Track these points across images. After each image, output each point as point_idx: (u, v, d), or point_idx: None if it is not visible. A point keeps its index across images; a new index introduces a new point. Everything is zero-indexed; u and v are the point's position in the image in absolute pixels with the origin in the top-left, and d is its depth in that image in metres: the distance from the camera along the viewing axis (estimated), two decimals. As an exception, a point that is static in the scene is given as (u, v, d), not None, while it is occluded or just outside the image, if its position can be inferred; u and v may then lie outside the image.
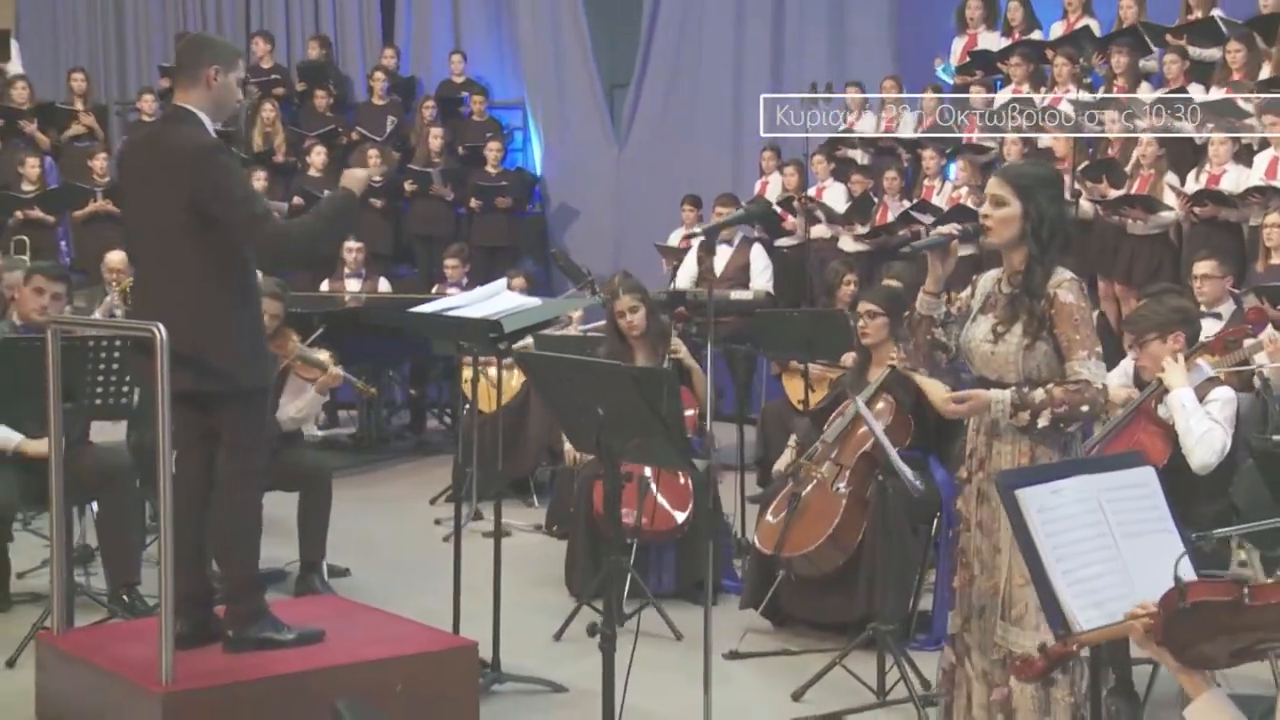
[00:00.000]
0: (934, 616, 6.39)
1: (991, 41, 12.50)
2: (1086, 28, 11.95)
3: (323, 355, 7.40)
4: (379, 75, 14.72)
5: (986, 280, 4.65)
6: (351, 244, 11.91)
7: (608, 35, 15.12)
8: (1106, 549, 3.41)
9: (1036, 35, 12.31)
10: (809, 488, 6.45)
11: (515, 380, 9.40)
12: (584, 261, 11.29)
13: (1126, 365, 7.40)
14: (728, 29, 14.30)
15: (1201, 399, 5.46)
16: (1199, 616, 2.76)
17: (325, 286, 12.12)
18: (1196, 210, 9.82)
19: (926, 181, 11.67)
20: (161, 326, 4.73)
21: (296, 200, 13.31)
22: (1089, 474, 3.49)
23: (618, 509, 6.48)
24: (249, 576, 5.18)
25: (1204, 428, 5.38)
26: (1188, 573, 2.93)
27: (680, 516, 7.05)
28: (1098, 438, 5.63)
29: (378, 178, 5.32)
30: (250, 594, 5.17)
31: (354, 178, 5.23)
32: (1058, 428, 4.40)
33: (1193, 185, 9.96)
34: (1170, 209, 9.94)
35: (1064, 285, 4.42)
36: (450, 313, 5.60)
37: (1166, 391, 5.50)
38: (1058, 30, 12.21)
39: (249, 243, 4.99)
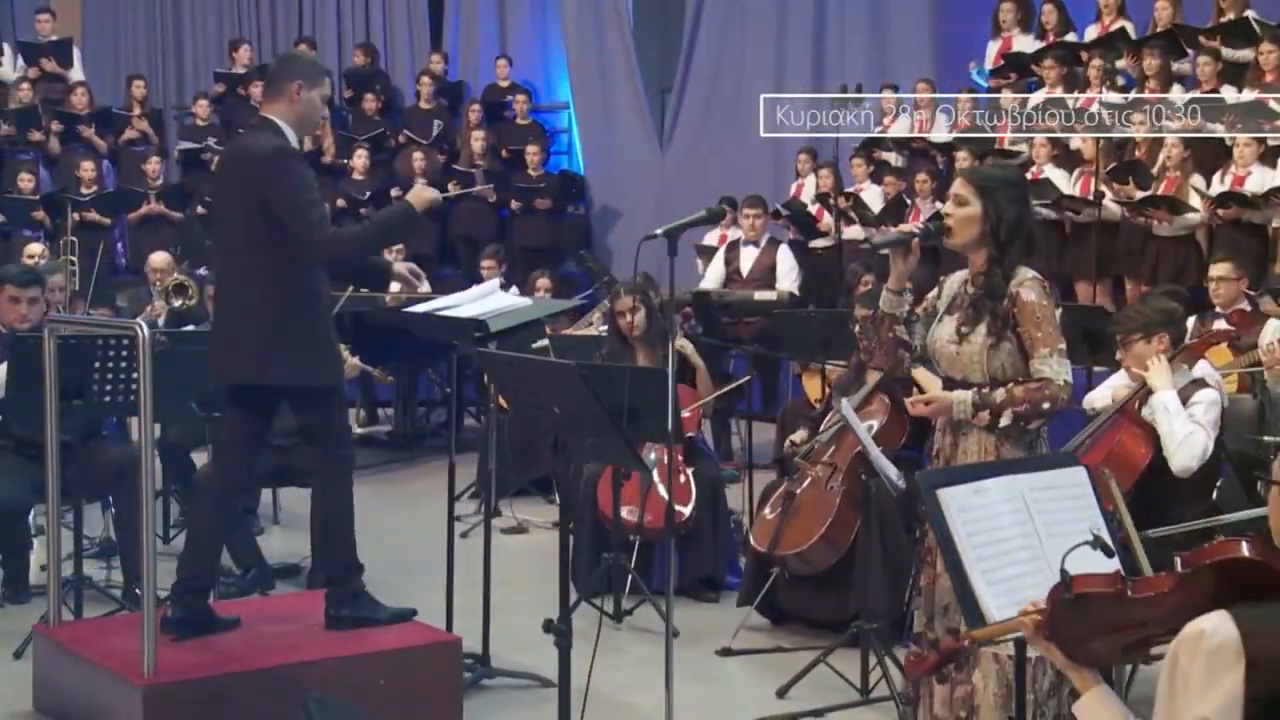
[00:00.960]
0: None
1: (1026, 44, 12.41)
2: (1122, 29, 11.83)
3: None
4: (425, 80, 14.82)
5: (953, 281, 4.62)
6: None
7: (652, 40, 15.15)
8: (1031, 549, 3.38)
9: (1071, 38, 12.20)
10: (804, 486, 6.43)
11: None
12: (627, 263, 11.28)
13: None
14: (769, 32, 14.31)
15: (1186, 401, 5.39)
16: (1085, 610, 2.72)
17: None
18: (1221, 212, 9.69)
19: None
20: (144, 325, 4.81)
21: (340, 202, 13.45)
22: (1017, 474, 3.47)
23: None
24: (349, 560, 5.49)
25: (1186, 431, 5.31)
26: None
27: (685, 511, 7.04)
28: (1081, 438, 5.57)
29: (439, 201, 5.46)
30: (350, 576, 5.49)
31: (420, 196, 5.37)
32: (1020, 426, 4.36)
33: (1218, 187, 9.83)
34: (1195, 210, 9.82)
35: (1026, 284, 4.39)
36: (440, 313, 5.62)
37: (1150, 393, 5.44)
38: (1092, 33, 12.10)
39: (303, 246, 5.10)
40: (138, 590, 6.53)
